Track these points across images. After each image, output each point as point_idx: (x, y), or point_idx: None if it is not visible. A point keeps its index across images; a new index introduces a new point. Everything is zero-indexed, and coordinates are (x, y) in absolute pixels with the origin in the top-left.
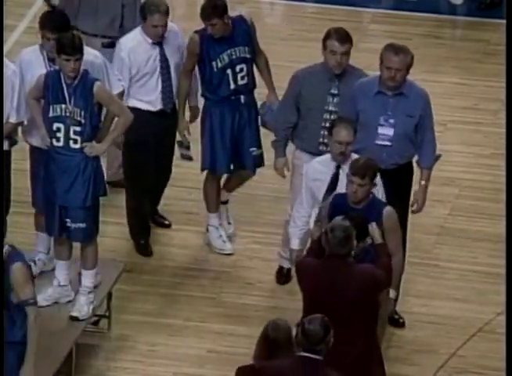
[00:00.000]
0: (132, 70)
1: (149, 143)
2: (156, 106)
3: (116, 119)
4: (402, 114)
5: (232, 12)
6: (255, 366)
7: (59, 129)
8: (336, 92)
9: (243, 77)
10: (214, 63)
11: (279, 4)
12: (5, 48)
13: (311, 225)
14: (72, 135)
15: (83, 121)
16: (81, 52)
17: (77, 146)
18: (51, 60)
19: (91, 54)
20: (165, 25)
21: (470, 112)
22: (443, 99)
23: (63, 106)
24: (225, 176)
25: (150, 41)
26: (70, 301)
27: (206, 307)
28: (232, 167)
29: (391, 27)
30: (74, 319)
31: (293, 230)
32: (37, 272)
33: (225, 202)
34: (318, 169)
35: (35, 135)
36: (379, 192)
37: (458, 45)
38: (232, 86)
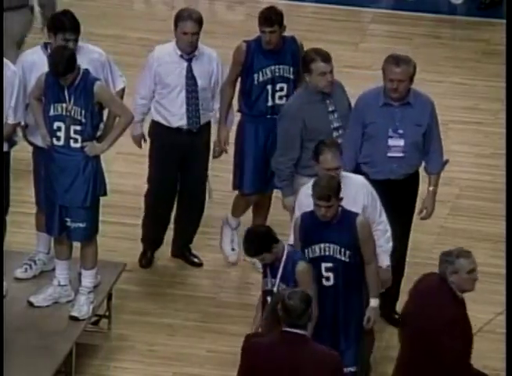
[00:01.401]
0: (155, 79)
1: (170, 160)
2: (178, 122)
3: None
4: (410, 124)
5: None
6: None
7: (59, 128)
8: (333, 108)
9: (281, 97)
10: (255, 76)
11: (279, 4)
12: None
13: None
14: (72, 135)
15: (83, 120)
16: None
17: (78, 145)
18: None
19: (95, 52)
20: (196, 34)
21: (471, 112)
22: (443, 99)
23: (64, 105)
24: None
25: (179, 53)
26: (70, 301)
27: (206, 307)
28: (261, 187)
29: (391, 26)
30: (74, 318)
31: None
32: (37, 272)
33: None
34: (310, 194)
35: (38, 135)
36: (377, 204)
37: (458, 44)
38: (270, 103)
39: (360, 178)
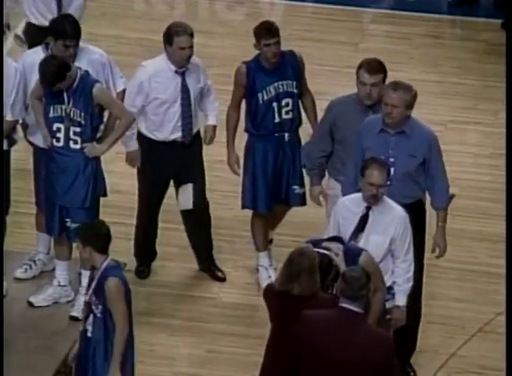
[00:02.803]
0: (150, 96)
1: (161, 175)
2: (171, 135)
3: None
4: (403, 153)
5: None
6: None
7: (59, 129)
8: None
9: (287, 112)
10: (259, 95)
11: (279, 4)
12: (5, 48)
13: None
14: (72, 136)
15: (83, 122)
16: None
17: (77, 146)
18: None
19: (96, 52)
20: (191, 47)
21: (470, 112)
22: (443, 99)
23: (63, 106)
24: None
25: (174, 68)
26: (69, 301)
27: (206, 307)
28: (273, 205)
29: (390, 27)
30: (74, 319)
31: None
32: (37, 272)
33: (270, 241)
34: (348, 208)
35: (39, 135)
36: (406, 241)
37: (458, 44)
38: (277, 120)
39: (400, 210)
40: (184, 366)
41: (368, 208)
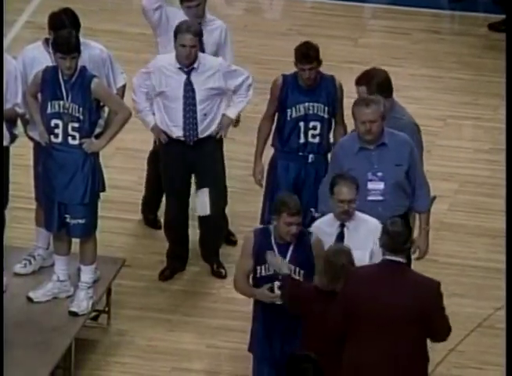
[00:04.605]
0: (156, 88)
1: (179, 169)
2: (176, 133)
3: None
4: (389, 165)
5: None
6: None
7: (57, 125)
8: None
9: (314, 136)
10: (288, 111)
11: None
12: (5, 44)
13: None
14: (70, 132)
15: (81, 117)
16: (77, 50)
17: (76, 142)
18: None
19: (96, 48)
20: (194, 47)
21: (470, 107)
22: (442, 94)
23: (61, 102)
24: None
25: (178, 65)
26: (69, 297)
27: (205, 302)
28: None
29: (390, 22)
30: (73, 314)
31: None
32: (36, 267)
33: None
34: (322, 230)
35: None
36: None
37: (457, 39)
38: (302, 140)
39: (375, 222)
40: (183, 361)
41: (342, 226)
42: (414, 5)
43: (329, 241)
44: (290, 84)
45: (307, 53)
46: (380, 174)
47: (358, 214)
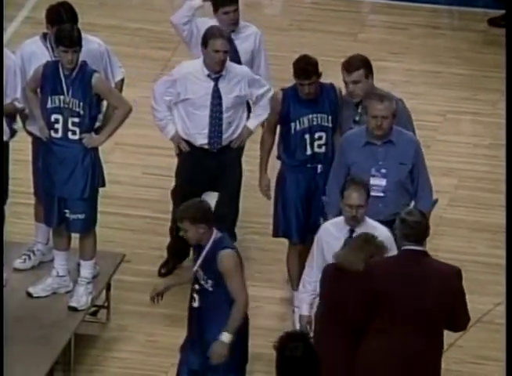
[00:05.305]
0: (181, 95)
1: (198, 178)
2: (200, 141)
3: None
4: (393, 163)
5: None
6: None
7: (57, 120)
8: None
9: (320, 146)
10: (292, 125)
11: None
12: (4, 39)
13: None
14: (70, 127)
15: (81, 112)
16: (79, 44)
17: (76, 137)
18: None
19: (94, 42)
20: (226, 52)
21: (469, 102)
22: (442, 89)
23: (62, 97)
24: None
25: (207, 72)
26: (68, 292)
27: None
28: (306, 236)
29: (389, 17)
30: (73, 309)
31: (302, 295)
32: (36, 262)
33: None
34: (331, 232)
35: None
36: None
37: (457, 35)
38: (309, 152)
39: (384, 230)
40: None
41: (351, 231)
42: (413, 1)
43: (336, 245)
44: (291, 97)
45: (305, 68)
46: (383, 171)
47: (369, 220)
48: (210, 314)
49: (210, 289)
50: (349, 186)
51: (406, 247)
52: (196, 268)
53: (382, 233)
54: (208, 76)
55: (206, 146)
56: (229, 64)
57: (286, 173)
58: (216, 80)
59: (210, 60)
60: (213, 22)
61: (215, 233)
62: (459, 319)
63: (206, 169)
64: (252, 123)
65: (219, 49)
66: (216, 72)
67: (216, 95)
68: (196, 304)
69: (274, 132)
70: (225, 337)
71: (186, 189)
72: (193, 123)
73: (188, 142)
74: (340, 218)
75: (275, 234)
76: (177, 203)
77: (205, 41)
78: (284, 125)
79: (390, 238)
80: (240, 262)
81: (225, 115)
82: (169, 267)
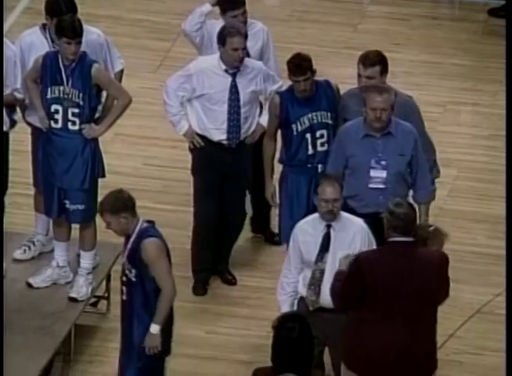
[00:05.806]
0: (197, 91)
1: (214, 173)
2: (218, 136)
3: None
4: (393, 154)
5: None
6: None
7: (57, 111)
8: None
9: (322, 144)
10: (293, 126)
11: None
12: (4, 29)
13: (301, 290)
14: (70, 117)
15: (81, 102)
16: (81, 35)
17: (76, 127)
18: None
19: (94, 33)
20: (244, 49)
21: (469, 93)
22: (441, 80)
23: (61, 87)
24: None
25: (224, 68)
26: (68, 283)
27: None
28: None
29: (389, 8)
30: (73, 300)
31: (282, 298)
32: (35, 253)
33: None
34: (306, 231)
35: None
36: (372, 242)
37: (456, 25)
38: (311, 151)
39: (360, 222)
40: (182, 347)
41: (328, 226)
42: None
43: (312, 242)
44: (288, 99)
45: (300, 64)
46: (383, 162)
47: (343, 214)
48: (135, 305)
49: (134, 279)
50: (322, 182)
51: (395, 239)
52: (124, 260)
53: (357, 225)
54: (226, 71)
55: (224, 142)
56: (245, 59)
57: (287, 175)
58: (234, 75)
59: (228, 58)
60: (222, 23)
61: (141, 223)
62: (440, 297)
63: (223, 165)
64: (265, 119)
65: (237, 47)
66: (233, 67)
67: (234, 90)
68: (124, 297)
69: (275, 138)
70: (153, 328)
71: (204, 184)
72: (210, 118)
73: (203, 138)
74: (314, 216)
75: (282, 241)
76: (196, 199)
77: (223, 40)
78: (285, 128)
79: (365, 230)
80: (166, 250)
81: (242, 110)
82: (201, 287)
